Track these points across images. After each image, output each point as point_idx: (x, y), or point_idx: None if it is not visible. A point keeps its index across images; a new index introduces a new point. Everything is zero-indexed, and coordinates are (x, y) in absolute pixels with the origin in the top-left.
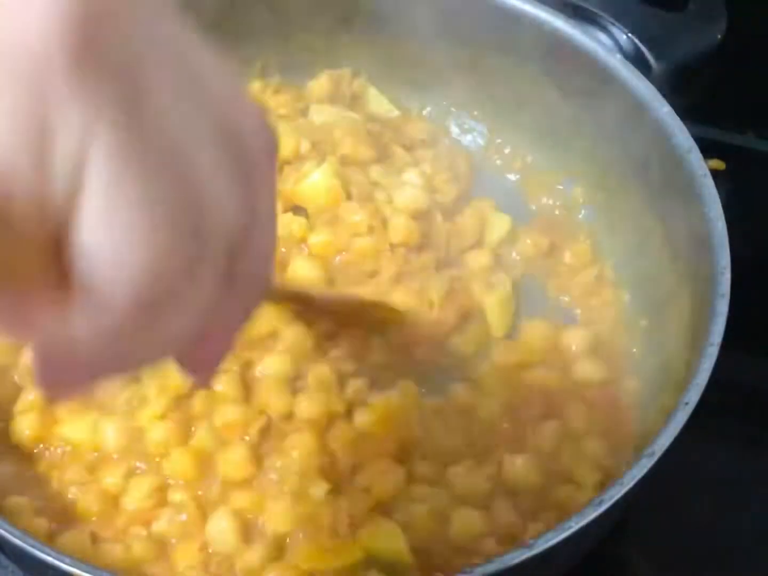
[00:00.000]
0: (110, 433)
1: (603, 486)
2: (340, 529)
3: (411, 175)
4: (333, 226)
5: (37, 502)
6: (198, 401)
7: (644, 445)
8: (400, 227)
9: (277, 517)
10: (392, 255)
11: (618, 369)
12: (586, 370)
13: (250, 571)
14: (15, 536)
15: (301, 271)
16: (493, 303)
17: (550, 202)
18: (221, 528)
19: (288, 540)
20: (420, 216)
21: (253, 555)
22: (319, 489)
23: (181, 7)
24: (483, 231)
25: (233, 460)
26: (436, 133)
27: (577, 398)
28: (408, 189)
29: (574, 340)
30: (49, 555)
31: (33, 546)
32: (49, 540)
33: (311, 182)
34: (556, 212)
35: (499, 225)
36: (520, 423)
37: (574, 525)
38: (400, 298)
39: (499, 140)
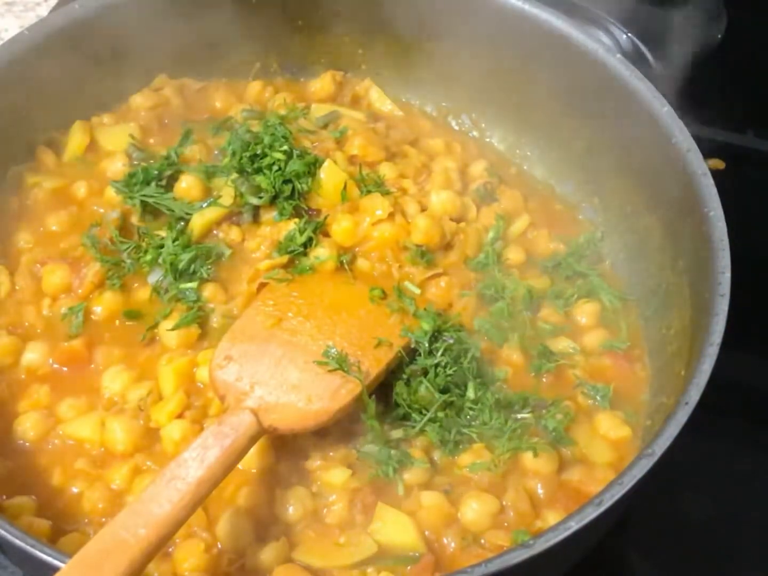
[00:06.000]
0: (119, 432)
1: (617, 467)
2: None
3: (441, 177)
4: (353, 215)
5: (38, 501)
6: (213, 402)
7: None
8: (422, 228)
9: (289, 512)
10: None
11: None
12: (596, 337)
13: (260, 570)
14: (15, 536)
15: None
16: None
17: (548, 201)
18: (236, 526)
19: (300, 537)
20: (453, 216)
21: (266, 553)
22: (340, 473)
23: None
24: (507, 225)
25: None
26: (439, 131)
27: (588, 370)
28: (442, 191)
29: (584, 313)
30: (49, 555)
31: (33, 546)
32: (50, 540)
33: (317, 180)
34: (555, 212)
35: (521, 220)
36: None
37: (574, 525)
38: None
39: (496, 139)
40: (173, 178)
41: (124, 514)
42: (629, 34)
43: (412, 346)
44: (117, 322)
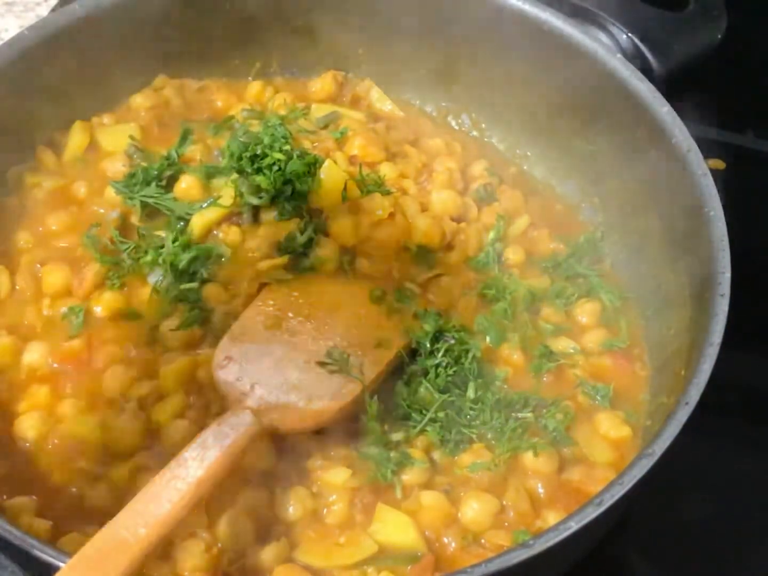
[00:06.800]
0: (119, 432)
1: (617, 466)
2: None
3: (443, 176)
4: (353, 215)
5: (38, 501)
6: (213, 402)
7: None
8: (422, 228)
9: (289, 512)
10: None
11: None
12: (596, 337)
13: (260, 570)
14: (15, 536)
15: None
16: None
17: (548, 201)
18: (236, 526)
19: (300, 537)
20: (454, 216)
21: (266, 553)
22: (341, 473)
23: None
24: (508, 225)
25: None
26: (439, 131)
27: (588, 369)
28: (443, 190)
29: (584, 312)
30: (49, 555)
31: (33, 546)
32: (50, 540)
33: (318, 181)
34: (555, 212)
35: (521, 220)
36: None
37: (574, 525)
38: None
39: (496, 139)
40: (173, 179)
41: (124, 514)
42: (629, 34)
43: (413, 346)
44: (117, 322)
